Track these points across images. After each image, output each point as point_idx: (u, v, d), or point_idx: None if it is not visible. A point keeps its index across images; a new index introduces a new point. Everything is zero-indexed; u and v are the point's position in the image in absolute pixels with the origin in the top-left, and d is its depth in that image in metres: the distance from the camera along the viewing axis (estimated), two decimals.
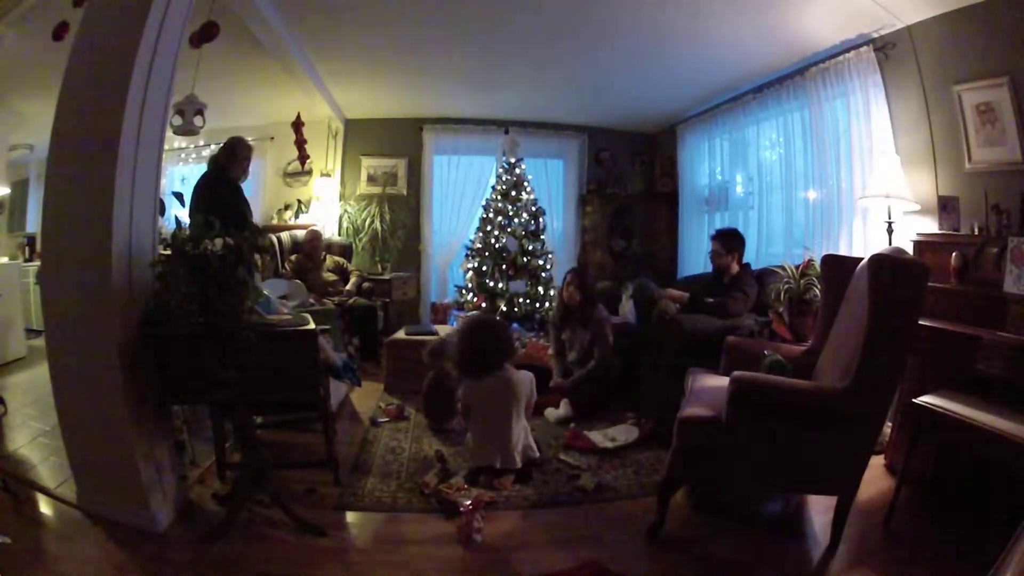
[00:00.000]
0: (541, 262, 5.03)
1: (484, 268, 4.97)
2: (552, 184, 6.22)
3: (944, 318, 2.48)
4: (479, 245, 5.07)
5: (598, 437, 3.00)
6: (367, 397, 3.75)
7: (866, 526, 2.18)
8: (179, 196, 2.34)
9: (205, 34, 2.84)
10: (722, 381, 2.22)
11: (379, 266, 5.74)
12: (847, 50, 3.42)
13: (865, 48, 3.29)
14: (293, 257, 4.77)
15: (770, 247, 4.51)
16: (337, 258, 5.01)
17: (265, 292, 2.40)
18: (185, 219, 2.21)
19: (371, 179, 6.02)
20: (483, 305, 4.82)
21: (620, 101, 5.42)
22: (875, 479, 2.49)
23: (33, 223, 5.89)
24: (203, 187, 3.28)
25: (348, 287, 4.70)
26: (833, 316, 2.40)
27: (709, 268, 3.95)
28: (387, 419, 3.37)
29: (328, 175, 5.85)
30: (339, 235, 5.77)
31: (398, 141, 5.98)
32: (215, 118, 3.59)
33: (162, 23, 2.06)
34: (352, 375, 3.01)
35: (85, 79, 2.04)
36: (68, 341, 2.11)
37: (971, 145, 2.76)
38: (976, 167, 2.75)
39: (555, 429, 3.24)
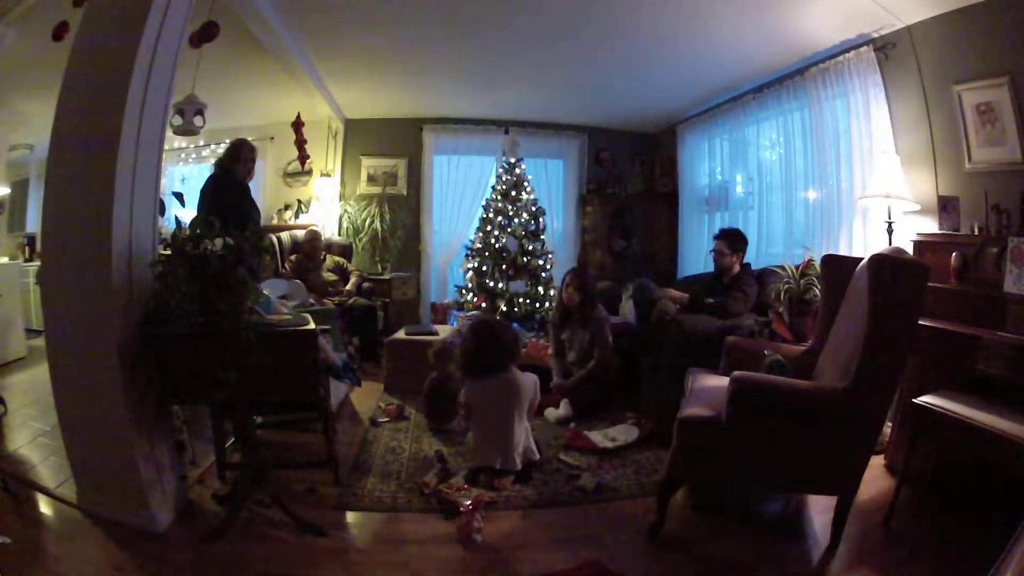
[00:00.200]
0: (541, 262, 5.02)
1: (484, 268, 4.96)
2: (552, 184, 6.21)
3: (944, 318, 2.48)
4: (479, 245, 5.06)
5: (598, 437, 3.00)
6: (367, 397, 3.75)
7: (866, 526, 2.17)
8: (179, 196, 2.34)
9: (205, 34, 2.84)
10: (722, 381, 2.22)
11: (379, 266, 5.74)
12: (847, 50, 3.42)
13: (865, 48, 3.29)
14: (293, 257, 4.76)
15: (770, 247, 4.51)
16: (337, 258, 5.00)
17: (265, 292, 2.40)
18: (186, 220, 2.20)
19: (371, 179, 6.01)
20: (483, 305, 4.81)
21: (620, 101, 5.41)
22: (875, 479, 2.49)
23: (33, 223, 5.89)
24: (210, 189, 3.28)
25: (348, 287, 4.69)
26: (833, 316, 2.40)
27: (709, 268, 3.95)
28: (387, 419, 3.37)
29: (328, 175, 5.84)
30: (339, 235, 5.77)
31: (398, 141, 5.98)
32: (215, 118, 3.59)
33: (162, 23, 2.06)
34: (352, 375, 3.01)
35: (85, 79, 2.04)
36: (68, 341, 2.11)
37: (971, 145, 2.76)
38: (976, 167, 2.75)
39: (555, 429, 3.24)
